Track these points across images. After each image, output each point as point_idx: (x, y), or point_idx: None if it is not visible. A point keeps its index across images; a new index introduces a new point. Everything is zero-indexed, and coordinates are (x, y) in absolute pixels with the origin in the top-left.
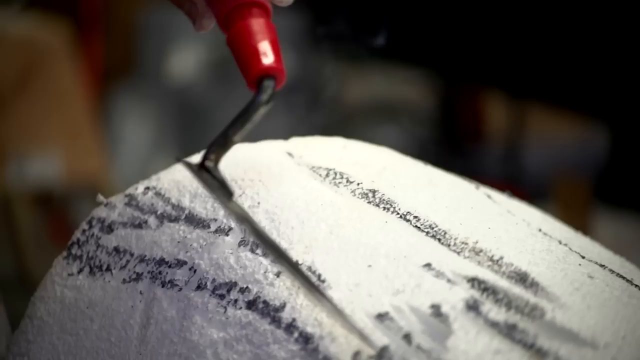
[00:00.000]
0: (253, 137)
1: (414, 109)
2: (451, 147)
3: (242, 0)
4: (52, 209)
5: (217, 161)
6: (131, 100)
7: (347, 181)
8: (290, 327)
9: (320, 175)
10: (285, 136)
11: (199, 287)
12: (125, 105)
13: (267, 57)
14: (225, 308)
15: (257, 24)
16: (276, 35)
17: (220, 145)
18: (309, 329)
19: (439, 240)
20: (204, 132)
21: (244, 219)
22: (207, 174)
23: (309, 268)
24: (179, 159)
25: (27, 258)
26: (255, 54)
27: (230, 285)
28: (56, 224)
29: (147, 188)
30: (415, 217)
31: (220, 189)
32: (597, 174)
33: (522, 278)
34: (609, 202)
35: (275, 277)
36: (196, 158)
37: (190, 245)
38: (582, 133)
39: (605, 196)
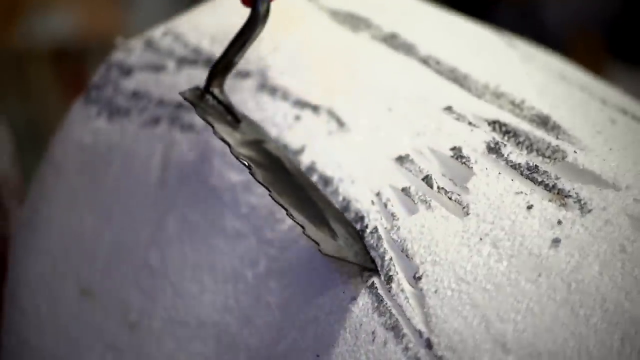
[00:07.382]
0: None
1: None
2: (469, 4)
3: None
4: (67, 66)
5: (221, 85)
6: None
7: (367, 25)
8: (310, 169)
9: (340, 19)
10: None
11: None
12: None
13: None
14: None
15: None
16: None
17: (222, 68)
18: (329, 172)
19: (460, 84)
20: None
21: (253, 144)
22: (213, 99)
23: (329, 111)
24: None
25: (42, 113)
26: None
27: None
28: (71, 81)
29: (166, 31)
30: (435, 60)
31: (226, 114)
32: (612, 31)
33: (543, 121)
34: (624, 59)
35: (295, 120)
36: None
37: None
38: None
39: (621, 53)
